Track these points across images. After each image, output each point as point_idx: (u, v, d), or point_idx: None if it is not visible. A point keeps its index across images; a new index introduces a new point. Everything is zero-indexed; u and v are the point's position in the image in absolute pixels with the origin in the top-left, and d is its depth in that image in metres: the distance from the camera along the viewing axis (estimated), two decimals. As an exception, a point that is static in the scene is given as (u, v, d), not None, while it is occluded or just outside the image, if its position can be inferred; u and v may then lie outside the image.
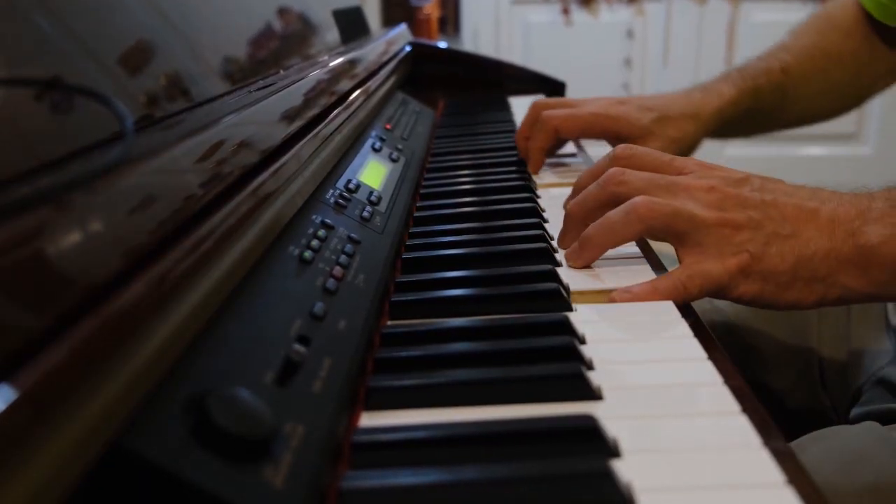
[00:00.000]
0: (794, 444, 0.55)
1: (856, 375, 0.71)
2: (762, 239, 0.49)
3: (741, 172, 0.53)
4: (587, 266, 0.54)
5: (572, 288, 0.51)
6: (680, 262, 0.50)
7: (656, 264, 0.55)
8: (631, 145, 0.56)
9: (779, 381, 0.77)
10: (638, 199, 0.50)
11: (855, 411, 0.65)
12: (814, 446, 0.54)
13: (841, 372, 0.73)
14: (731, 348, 0.77)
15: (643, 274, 0.53)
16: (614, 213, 0.51)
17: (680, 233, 0.50)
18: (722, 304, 0.80)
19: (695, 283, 0.48)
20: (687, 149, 0.85)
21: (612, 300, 0.49)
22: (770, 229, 0.49)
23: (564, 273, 0.53)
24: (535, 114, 0.82)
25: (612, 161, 0.55)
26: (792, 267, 0.48)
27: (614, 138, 0.81)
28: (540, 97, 1.26)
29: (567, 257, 0.55)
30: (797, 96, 0.92)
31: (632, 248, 0.57)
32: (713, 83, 0.89)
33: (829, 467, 0.50)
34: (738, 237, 0.49)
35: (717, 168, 0.53)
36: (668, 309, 0.47)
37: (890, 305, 0.73)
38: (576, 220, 0.56)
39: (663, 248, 0.55)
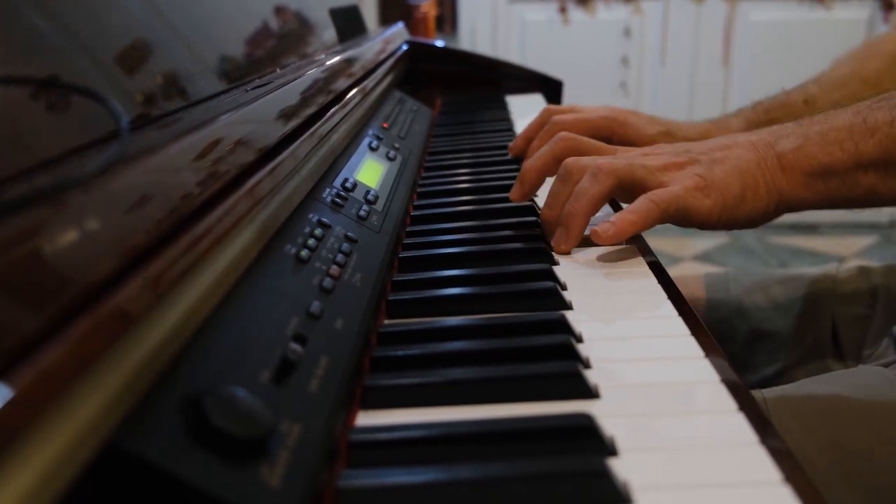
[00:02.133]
0: (794, 386, 0.59)
1: (877, 342, 0.72)
2: (705, 165, 0.57)
3: (650, 146, 0.63)
4: (576, 245, 0.57)
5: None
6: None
7: (659, 272, 0.53)
8: (570, 133, 0.66)
9: (787, 354, 0.77)
10: (599, 161, 0.57)
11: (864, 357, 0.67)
12: (819, 387, 0.57)
13: (856, 351, 0.74)
14: (740, 332, 0.78)
15: (646, 281, 0.52)
16: (583, 182, 0.56)
17: (641, 180, 0.56)
18: (734, 287, 0.81)
19: (661, 198, 0.54)
20: None
21: (595, 235, 0.54)
22: (707, 158, 0.58)
23: (562, 272, 0.53)
24: (544, 117, 0.83)
25: (555, 143, 0.64)
26: (738, 179, 0.56)
27: (619, 143, 0.82)
28: (537, 96, 1.26)
29: (555, 244, 0.57)
30: None
31: (633, 255, 0.56)
32: (725, 117, 0.90)
33: (839, 408, 0.54)
34: (685, 170, 0.57)
35: (635, 147, 0.64)
36: (667, 308, 0.47)
37: None
38: (532, 172, 0.64)
39: (664, 248, 0.57)
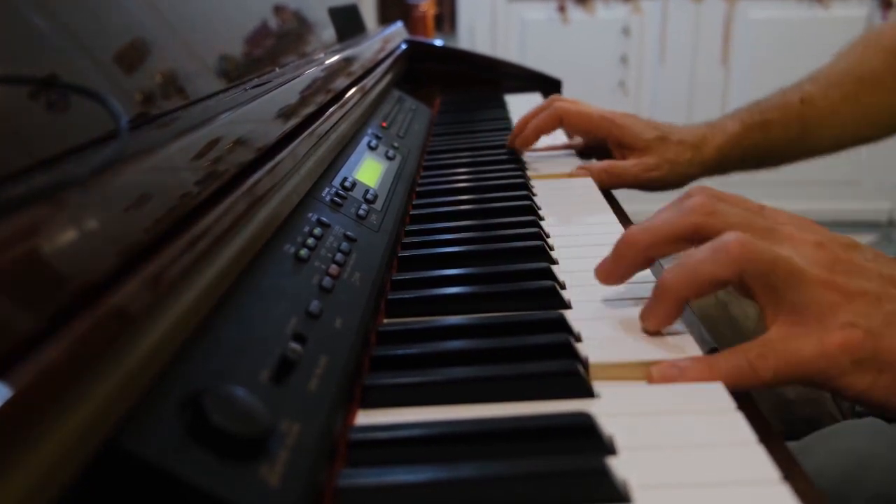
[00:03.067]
0: (798, 445, 0.54)
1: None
2: (880, 317, 0.37)
3: (850, 238, 0.43)
4: (663, 326, 0.43)
5: (591, 360, 0.41)
6: (767, 328, 0.40)
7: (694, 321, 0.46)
8: (713, 194, 0.44)
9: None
10: (729, 235, 0.39)
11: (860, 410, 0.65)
12: (819, 448, 0.53)
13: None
14: (729, 340, 0.77)
15: (676, 328, 0.44)
16: (698, 252, 0.40)
17: (776, 287, 0.39)
18: (724, 296, 0.80)
19: (768, 367, 0.37)
20: (678, 175, 0.85)
21: (653, 379, 0.39)
22: (890, 308, 0.38)
23: (561, 271, 0.53)
24: (548, 103, 0.85)
25: (688, 213, 0.43)
26: None
27: (615, 145, 0.84)
28: (536, 95, 1.26)
29: (643, 319, 0.43)
30: (822, 126, 0.90)
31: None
32: (721, 119, 0.89)
33: (836, 471, 0.50)
34: (849, 308, 0.38)
35: (821, 227, 0.43)
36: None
37: None
38: (635, 249, 0.44)
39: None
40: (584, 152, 0.90)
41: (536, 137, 0.85)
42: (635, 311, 0.46)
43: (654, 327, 0.43)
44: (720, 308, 0.78)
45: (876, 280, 0.39)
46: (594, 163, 0.82)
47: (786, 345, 0.38)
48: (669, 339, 0.43)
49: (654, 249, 0.44)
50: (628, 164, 0.82)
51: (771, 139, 0.89)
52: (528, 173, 0.81)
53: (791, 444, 0.53)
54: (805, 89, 0.90)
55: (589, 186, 0.77)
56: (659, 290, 0.42)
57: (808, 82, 0.91)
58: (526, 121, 0.86)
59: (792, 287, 0.38)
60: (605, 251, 0.47)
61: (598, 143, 0.86)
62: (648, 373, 0.39)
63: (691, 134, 0.85)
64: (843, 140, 0.93)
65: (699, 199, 0.43)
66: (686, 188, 0.48)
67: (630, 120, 0.84)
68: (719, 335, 0.76)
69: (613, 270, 0.45)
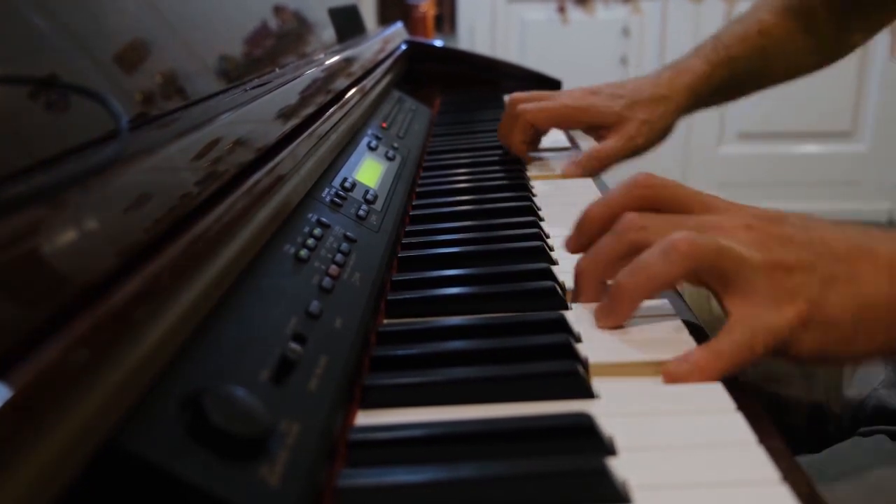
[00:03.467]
0: (807, 464, 0.54)
1: (850, 397, 0.71)
2: (818, 283, 0.41)
3: (775, 210, 0.46)
4: (620, 325, 0.45)
5: (591, 360, 0.42)
6: (726, 313, 0.43)
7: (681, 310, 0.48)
8: (652, 175, 0.48)
9: (776, 383, 0.76)
10: (677, 234, 0.42)
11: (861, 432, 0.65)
12: (827, 469, 0.53)
13: (837, 392, 0.72)
14: None
15: (671, 327, 0.46)
16: (649, 255, 0.43)
17: (726, 275, 0.42)
18: (717, 306, 0.80)
19: (759, 342, 0.41)
20: (659, 131, 0.85)
21: (668, 377, 0.40)
22: (825, 271, 0.42)
23: (561, 272, 0.53)
24: (511, 109, 0.85)
25: (628, 189, 0.48)
26: (853, 316, 0.41)
27: (588, 128, 0.84)
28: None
29: (596, 315, 0.46)
30: (780, 54, 0.91)
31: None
32: (683, 59, 0.89)
33: (844, 492, 0.50)
34: (792, 281, 0.41)
35: (748, 207, 0.47)
36: (665, 307, 0.47)
37: None
38: (590, 277, 0.48)
39: None
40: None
41: (526, 149, 0.85)
42: (637, 312, 0.46)
43: (610, 326, 0.45)
44: (715, 322, 0.78)
45: (807, 247, 0.43)
46: (582, 155, 0.82)
47: (762, 322, 0.41)
48: (666, 336, 0.44)
49: (605, 275, 0.47)
50: (609, 144, 0.82)
51: (736, 74, 0.89)
52: (528, 174, 0.81)
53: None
54: (762, 18, 0.90)
55: (588, 186, 0.77)
56: (616, 292, 0.44)
57: (763, 10, 0.92)
58: (504, 135, 0.86)
59: (739, 272, 0.42)
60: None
61: (576, 128, 0.87)
62: (666, 371, 0.40)
63: (657, 85, 0.85)
64: (797, 67, 0.94)
65: (627, 217, 0.46)
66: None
67: (593, 98, 0.83)
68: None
69: (581, 298, 0.49)
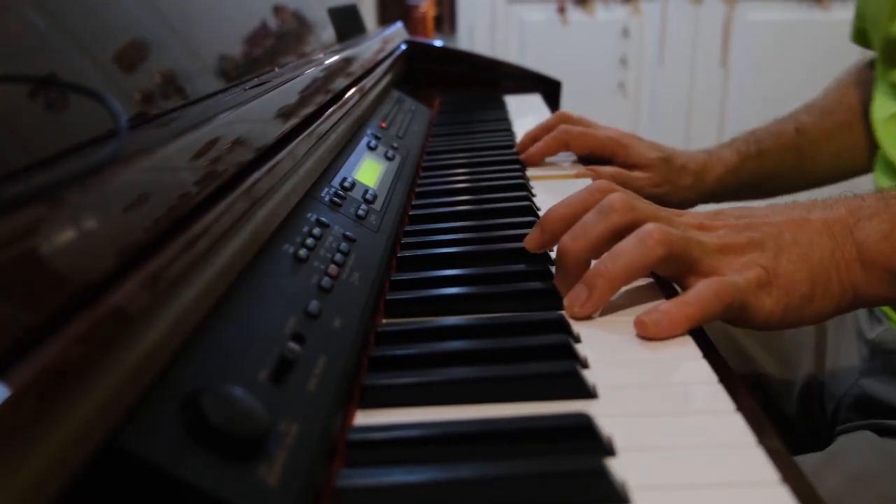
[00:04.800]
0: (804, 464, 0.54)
1: (834, 389, 0.71)
2: (769, 253, 0.46)
3: (710, 211, 0.52)
4: (594, 312, 0.47)
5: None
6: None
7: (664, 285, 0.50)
8: (610, 182, 0.52)
9: (770, 383, 0.77)
10: (649, 224, 0.46)
11: (840, 429, 0.65)
12: (817, 466, 0.53)
13: (819, 387, 0.73)
14: (725, 350, 0.77)
15: (645, 281, 0.50)
16: (626, 243, 0.46)
17: (693, 260, 0.46)
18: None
19: (727, 292, 0.44)
20: (680, 200, 0.86)
21: (640, 327, 0.44)
22: (771, 243, 0.47)
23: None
24: (554, 122, 0.86)
25: (590, 193, 0.51)
26: (807, 274, 0.46)
27: (620, 164, 0.85)
28: (536, 96, 1.26)
29: (570, 303, 0.47)
30: (818, 153, 0.91)
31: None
32: (718, 148, 0.90)
33: (833, 487, 0.50)
34: (746, 256, 0.46)
35: (688, 212, 0.52)
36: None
37: (862, 315, 0.74)
38: (579, 257, 0.48)
39: None
40: (585, 159, 0.90)
41: (541, 159, 0.85)
42: (634, 312, 0.46)
43: (586, 314, 0.46)
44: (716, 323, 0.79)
45: (751, 228, 0.48)
46: (601, 167, 0.83)
47: (724, 278, 0.45)
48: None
49: (592, 254, 0.48)
50: (635, 176, 0.83)
51: (767, 168, 0.90)
52: (528, 174, 0.81)
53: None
54: (799, 119, 0.92)
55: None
56: (595, 279, 0.46)
57: (801, 112, 0.93)
58: (532, 138, 0.86)
59: (704, 256, 0.46)
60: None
61: (601, 160, 0.86)
62: (638, 321, 0.44)
63: (693, 161, 0.87)
64: (840, 169, 0.93)
65: (617, 197, 0.48)
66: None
67: (635, 140, 0.85)
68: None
69: (540, 239, 0.52)
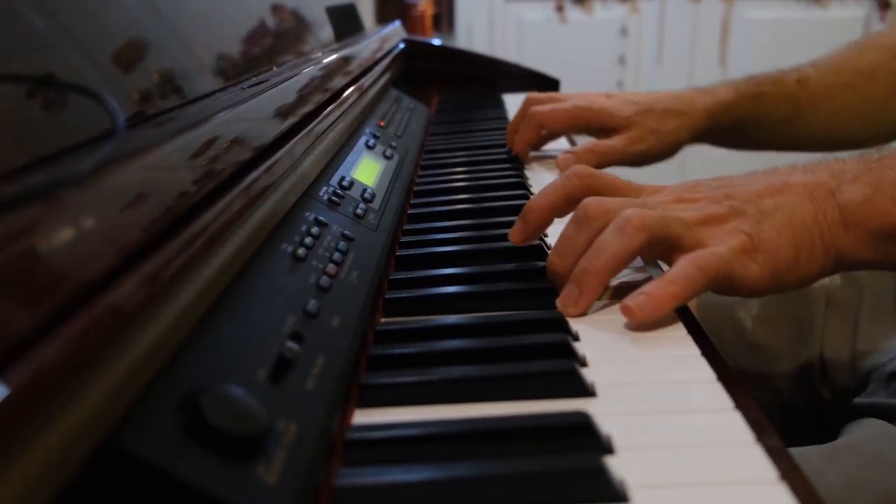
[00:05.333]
0: (799, 457, 0.54)
1: (862, 367, 0.70)
2: (751, 220, 0.46)
3: (691, 182, 0.52)
4: (587, 309, 0.46)
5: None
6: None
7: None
8: (587, 167, 0.53)
9: (778, 372, 0.76)
10: (626, 211, 0.46)
11: (858, 401, 0.64)
12: (821, 456, 0.53)
13: (847, 364, 0.72)
14: (730, 340, 0.77)
15: (644, 281, 0.50)
16: (606, 235, 0.46)
17: (676, 237, 0.46)
18: (729, 298, 0.80)
19: (710, 263, 0.44)
20: (668, 144, 0.83)
21: (628, 312, 0.44)
22: (752, 210, 0.47)
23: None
24: (524, 109, 0.85)
25: (567, 180, 0.52)
26: (791, 238, 0.46)
27: (598, 130, 0.83)
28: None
29: (563, 304, 0.47)
30: (815, 109, 0.90)
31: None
32: (713, 86, 0.88)
33: (838, 479, 0.50)
34: (728, 225, 0.46)
35: (669, 185, 0.53)
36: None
37: None
38: (542, 211, 0.51)
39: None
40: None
41: (527, 149, 0.85)
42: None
43: (580, 312, 0.46)
44: (724, 309, 0.78)
45: (730, 197, 0.48)
46: (577, 146, 0.81)
47: (710, 251, 0.45)
48: (664, 332, 0.44)
49: (554, 211, 0.52)
50: (612, 141, 0.81)
51: (762, 112, 0.88)
52: (527, 172, 0.81)
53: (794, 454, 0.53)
54: (804, 71, 0.89)
55: None
56: (582, 277, 0.46)
57: (808, 66, 0.91)
58: (512, 131, 0.86)
59: (686, 231, 0.46)
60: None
61: (584, 132, 0.85)
62: (624, 307, 0.44)
63: (678, 100, 0.84)
64: (833, 130, 0.92)
65: (587, 202, 0.49)
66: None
67: (605, 101, 0.82)
68: (721, 336, 0.76)
69: (524, 231, 0.53)
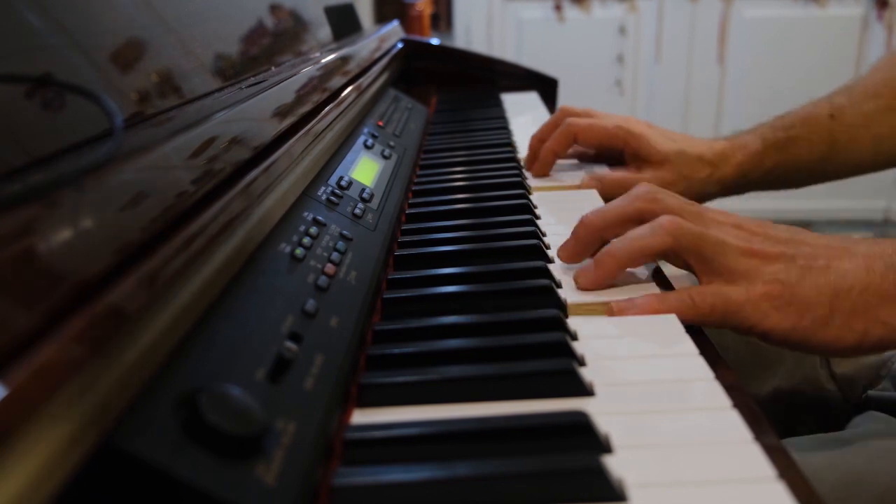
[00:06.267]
0: (805, 447, 0.53)
1: (869, 361, 0.69)
2: (796, 270, 0.46)
3: (765, 220, 0.51)
4: (599, 287, 0.50)
5: (569, 301, 0.49)
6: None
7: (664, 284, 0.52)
8: (655, 187, 0.52)
9: (780, 368, 0.76)
10: (665, 216, 0.48)
11: (873, 394, 0.64)
12: (820, 453, 0.53)
13: (852, 358, 0.71)
14: (732, 338, 0.76)
15: (643, 281, 0.51)
16: (640, 230, 0.48)
17: (706, 257, 0.47)
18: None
19: (706, 301, 0.45)
20: (696, 194, 0.80)
21: (612, 312, 0.47)
22: (803, 262, 0.46)
23: (556, 270, 0.53)
24: (559, 119, 0.81)
25: (630, 201, 0.51)
26: (829, 300, 0.45)
27: (631, 157, 0.80)
28: (533, 94, 1.26)
29: (577, 275, 0.50)
30: (854, 141, 0.84)
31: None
32: (741, 134, 0.84)
33: (836, 475, 0.50)
34: (770, 268, 0.46)
35: (740, 216, 0.51)
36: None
37: None
38: (590, 230, 0.52)
39: (675, 272, 0.52)
40: (594, 158, 0.86)
41: (554, 161, 0.81)
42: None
43: (589, 287, 0.50)
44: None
45: (788, 243, 0.47)
46: (606, 173, 0.78)
47: (720, 289, 0.46)
48: (663, 332, 0.44)
49: (607, 231, 0.52)
50: (644, 176, 0.77)
51: (795, 158, 0.84)
52: (529, 183, 0.80)
53: (798, 445, 0.53)
54: (835, 102, 0.85)
55: (590, 194, 0.74)
56: (602, 256, 0.49)
57: (839, 94, 0.86)
58: (539, 140, 0.81)
59: (719, 255, 0.46)
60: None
61: (612, 155, 0.82)
62: (609, 308, 0.47)
63: (710, 149, 0.81)
64: (881, 155, 0.86)
65: (643, 188, 0.51)
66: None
67: (646, 129, 0.79)
68: (721, 335, 0.75)
69: (574, 250, 0.53)
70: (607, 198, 0.73)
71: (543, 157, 0.80)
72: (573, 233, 0.53)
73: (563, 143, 0.80)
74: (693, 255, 0.47)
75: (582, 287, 0.49)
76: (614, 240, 0.49)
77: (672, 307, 0.46)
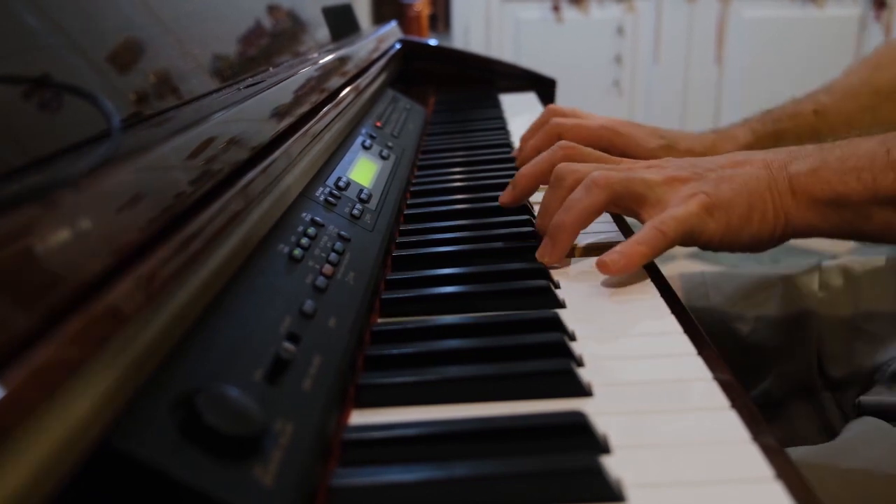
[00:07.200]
0: (799, 458, 0.54)
1: (862, 366, 0.70)
2: (711, 182, 0.53)
3: (663, 158, 0.59)
4: (561, 258, 0.54)
5: (569, 301, 0.49)
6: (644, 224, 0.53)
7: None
8: (572, 143, 0.62)
9: (774, 372, 0.76)
10: (594, 173, 0.54)
11: (864, 399, 0.64)
12: (824, 460, 0.53)
13: (845, 363, 0.72)
14: (723, 342, 0.77)
15: (640, 280, 0.52)
16: (576, 194, 0.54)
17: (639, 196, 0.53)
18: (714, 294, 0.80)
19: (669, 226, 0.51)
20: None
21: (603, 266, 0.50)
22: (713, 175, 0.54)
23: (555, 270, 0.53)
24: (545, 118, 0.82)
25: (553, 152, 0.61)
26: (746, 199, 0.52)
27: (619, 156, 0.80)
28: (531, 95, 1.26)
29: (541, 255, 0.54)
30: (837, 137, 0.87)
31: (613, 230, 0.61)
32: (730, 127, 0.86)
33: (840, 481, 0.50)
34: (689, 186, 0.53)
35: (641, 161, 0.59)
36: (659, 305, 0.48)
37: None
38: (528, 178, 0.61)
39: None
40: None
41: (534, 157, 0.83)
42: (631, 312, 0.46)
43: (555, 261, 0.54)
44: (719, 309, 0.78)
45: (696, 165, 0.56)
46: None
47: (668, 214, 0.52)
48: (662, 332, 0.44)
49: (540, 178, 0.61)
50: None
51: None
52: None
53: (794, 455, 0.53)
54: (819, 100, 0.87)
55: None
56: (554, 230, 0.54)
57: (821, 93, 0.88)
58: (525, 139, 0.83)
59: (648, 189, 0.54)
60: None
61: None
62: (600, 262, 0.50)
63: (699, 142, 0.82)
64: None
65: (562, 168, 0.57)
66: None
67: (632, 128, 0.80)
68: (716, 338, 0.75)
69: (513, 196, 0.63)
70: None
71: (525, 154, 0.81)
72: (511, 184, 0.63)
73: (546, 141, 0.80)
74: (629, 198, 0.54)
75: (549, 264, 0.54)
76: (559, 212, 0.54)
77: (651, 244, 0.50)
